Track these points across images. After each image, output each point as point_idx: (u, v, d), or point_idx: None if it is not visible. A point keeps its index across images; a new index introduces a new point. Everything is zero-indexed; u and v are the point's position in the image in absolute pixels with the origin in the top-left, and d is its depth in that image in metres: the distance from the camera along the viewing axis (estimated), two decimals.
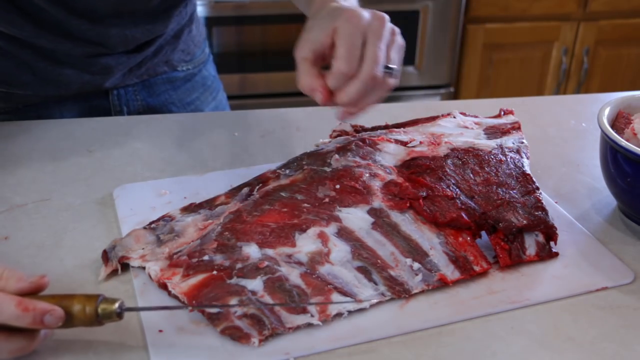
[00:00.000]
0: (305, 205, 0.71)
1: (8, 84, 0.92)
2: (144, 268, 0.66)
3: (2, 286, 0.56)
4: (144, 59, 0.99)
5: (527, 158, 0.79)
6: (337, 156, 0.76)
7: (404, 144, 0.80)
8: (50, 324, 0.55)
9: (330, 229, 0.68)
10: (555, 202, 0.81)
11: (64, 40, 0.88)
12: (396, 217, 0.70)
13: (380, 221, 0.69)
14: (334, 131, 0.85)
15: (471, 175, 0.75)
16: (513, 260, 0.69)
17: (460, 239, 0.70)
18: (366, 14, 0.70)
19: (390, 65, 0.69)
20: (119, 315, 0.57)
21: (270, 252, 0.66)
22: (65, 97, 0.97)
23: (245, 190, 0.75)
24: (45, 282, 0.57)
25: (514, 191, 0.73)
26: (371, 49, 0.68)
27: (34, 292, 0.57)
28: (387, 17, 0.70)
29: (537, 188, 0.74)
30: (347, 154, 0.77)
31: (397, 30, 0.72)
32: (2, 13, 0.84)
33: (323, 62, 0.71)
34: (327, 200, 0.71)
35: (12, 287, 0.56)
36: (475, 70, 2.27)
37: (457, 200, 0.71)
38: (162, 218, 0.72)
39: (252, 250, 0.66)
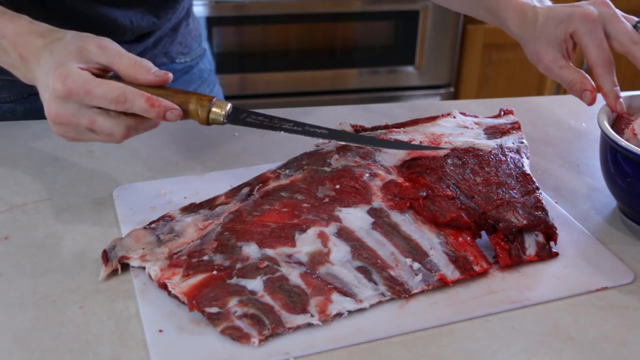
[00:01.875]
0: (305, 205, 0.71)
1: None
2: (144, 268, 0.66)
3: (134, 80, 0.69)
4: (144, 50, 1.01)
5: (527, 158, 0.79)
6: (337, 156, 0.76)
7: None
8: (170, 119, 0.69)
9: (330, 229, 0.68)
10: (555, 202, 0.81)
11: (70, 27, 0.89)
12: (396, 217, 0.70)
13: (380, 221, 0.69)
14: None
15: (471, 175, 0.75)
16: (513, 260, 0.69)
17: (460, 239, 0.70)
18: (590, 6, 0.78)
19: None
20: (223, 123, 0.71)
21: (270, 252, 0.66)
22: None
23: (245, 190, 0.75)
24: (169, 78, 0.70)
25: (514, 191, 0.73)
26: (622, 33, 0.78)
27: (160, 85, 0.70)
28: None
29: (537, 188, 0.74)
30: (347, 154, 0.77)
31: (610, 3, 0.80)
32: None
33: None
34: (327, 200, 0.71)
35: (142, 78, 0.69)
36: (475, 70, 2.26)
37: (457, 200, 0.71)
38: (162, 218, 0.72)
39: (252, 250, 0.66)
